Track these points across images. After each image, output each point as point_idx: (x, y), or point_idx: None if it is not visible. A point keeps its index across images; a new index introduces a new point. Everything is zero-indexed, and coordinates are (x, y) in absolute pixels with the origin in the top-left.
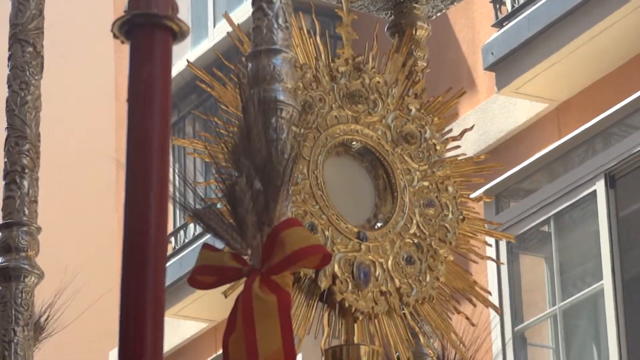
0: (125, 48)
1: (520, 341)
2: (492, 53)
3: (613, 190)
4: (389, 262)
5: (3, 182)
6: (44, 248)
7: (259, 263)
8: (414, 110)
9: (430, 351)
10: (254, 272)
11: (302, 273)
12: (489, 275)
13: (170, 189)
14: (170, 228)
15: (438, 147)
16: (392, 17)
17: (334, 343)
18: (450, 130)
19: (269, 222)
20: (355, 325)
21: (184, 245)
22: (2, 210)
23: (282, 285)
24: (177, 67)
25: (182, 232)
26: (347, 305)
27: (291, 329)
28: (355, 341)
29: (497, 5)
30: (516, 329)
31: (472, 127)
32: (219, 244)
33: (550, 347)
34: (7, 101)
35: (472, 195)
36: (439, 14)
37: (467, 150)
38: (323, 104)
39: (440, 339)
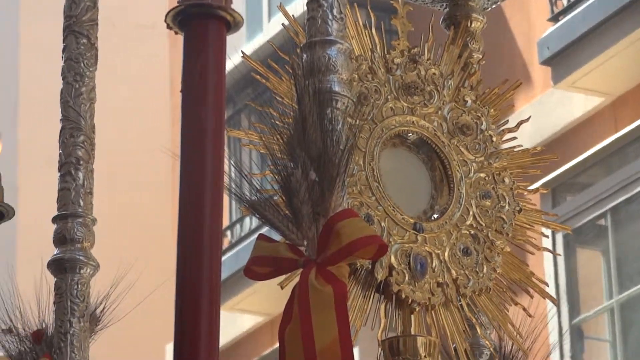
0: (181, 41)
1: (577, 334)
2: (547, 47)
3: None
4: (446, 254)
5: (58, 174)
6: (99, 240)
7: (315, 254)
8: (469, 101)
9: (487, 342)
10: (310, 263)
11: (358, 264)
12: (546, 268)
13: (226, 180)
14: (226, 222)
15: (494, 139)
16: (447, 9)
17: (390, 334)
18: (507, 122)
19: (324, 213)
20: (412, 317)
21: (240, 239)
22: (57, 201)
23: (338, 276)
24: (233, 60)
25: (238, 225)
26: (403, 296)
27: (347, 320)
28: (412, 332)
29: (553, 0)
30: (573, 321)
31: (529, 118)
32: (275, 236)
33: (608, 340)
34: (61, 93)
35: (529, 188)
36: (494, 6)
37: (523, 144)
38: (379, 95)
39: (497, 330)
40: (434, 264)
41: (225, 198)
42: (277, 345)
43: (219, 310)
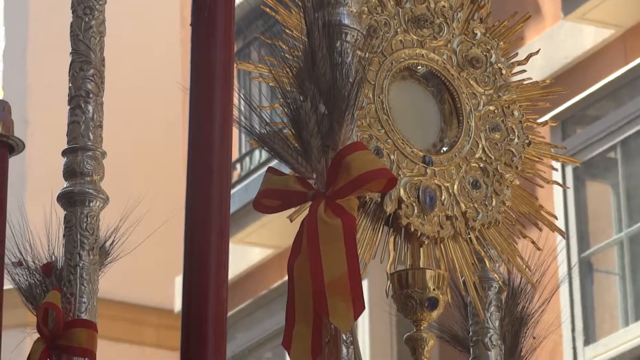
0: None
1: (587, 267)
2: None
3: None
4: (455, 186)
5: (68, 107)
6: (109, 174)
7: (324, 187)
8: (479, 34)
9: (495, 275)
10: (319, 196)
11: (367, 197)
12: (556, 201)
13: (236, 113)
14: (235, 155)
15: (504, 72)
16: None
17: (399, 267)
18: (516, 55)
19: (333, 145)
20: (421, 250)
21: (250, 172)
22: (66, 135)
23: (347, 209)
24: None
25: (247, 159)
26: (412, 229)
27: (356, 253)
28: (421, 265)
29: None
30: (582, 255)
31: (538, 51)
32: (284, 169)
33: (617, 274)
34: (71, 26)
35: (539, 121)
36: None
37: (533, 77)
38: (388, 28)
39: (506, 263)
40: (443, 197)
41: (235, 131)
42: (286, 277)
43: (228, 242)
